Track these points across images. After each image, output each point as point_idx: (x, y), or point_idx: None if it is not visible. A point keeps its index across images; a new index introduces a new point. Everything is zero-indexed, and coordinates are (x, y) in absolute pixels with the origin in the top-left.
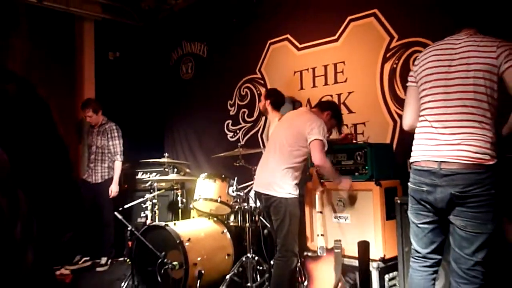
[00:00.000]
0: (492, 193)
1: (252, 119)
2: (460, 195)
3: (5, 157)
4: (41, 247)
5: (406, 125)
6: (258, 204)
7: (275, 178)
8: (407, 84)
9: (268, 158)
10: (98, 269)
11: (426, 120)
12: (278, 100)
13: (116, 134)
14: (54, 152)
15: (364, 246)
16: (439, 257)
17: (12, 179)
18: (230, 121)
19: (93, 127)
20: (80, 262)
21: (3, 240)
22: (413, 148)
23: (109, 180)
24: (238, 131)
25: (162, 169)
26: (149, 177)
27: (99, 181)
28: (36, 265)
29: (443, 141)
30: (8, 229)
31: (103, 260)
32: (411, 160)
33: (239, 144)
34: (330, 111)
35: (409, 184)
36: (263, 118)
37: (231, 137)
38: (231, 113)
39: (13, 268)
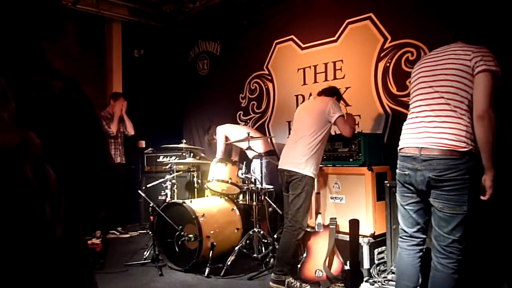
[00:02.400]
0: (466, 177)
1: (261, 110)
2: (436, 179)
3: (38, 141)
4: (71, 223)
5: None
6: (265, 185)
7: (301, 159)
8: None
9: (297, 142)
10: (122, 235)
11: (413, 112)
12: (210, 135)
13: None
14: (95, 142)
15: (354, 224)
16: (424, 236)
17: (43, 162)
18: (241, 112)
19: (112, 115)
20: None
21: (33, 216)
22: (400, 137)
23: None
24: (248, 121)
25: (180, 153)
26: (169, 160)
27: (124, 162)
28: (65, 240)
29: (424, 129)
30: (39, 206)
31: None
32: (398, 147)
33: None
34: (336, 96)
35: (396, 170)
36: (270, 109)
37: (242, 126)
38: (243, 105)
39: (42, 244)
